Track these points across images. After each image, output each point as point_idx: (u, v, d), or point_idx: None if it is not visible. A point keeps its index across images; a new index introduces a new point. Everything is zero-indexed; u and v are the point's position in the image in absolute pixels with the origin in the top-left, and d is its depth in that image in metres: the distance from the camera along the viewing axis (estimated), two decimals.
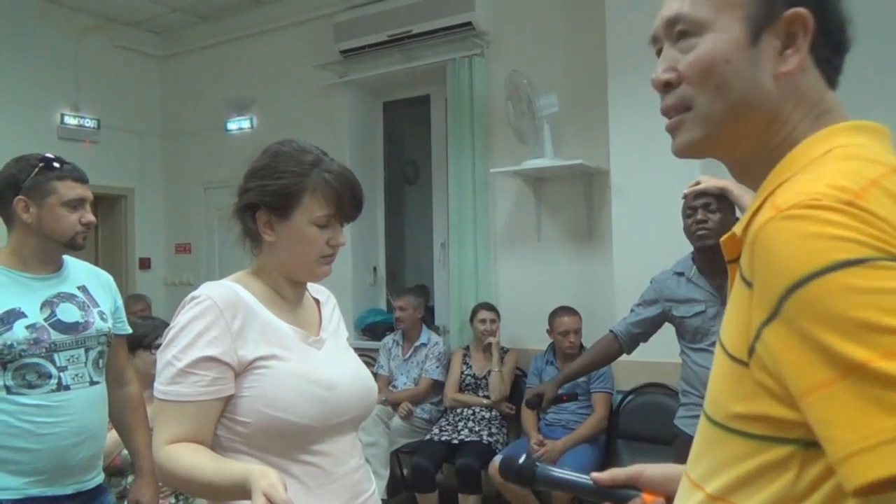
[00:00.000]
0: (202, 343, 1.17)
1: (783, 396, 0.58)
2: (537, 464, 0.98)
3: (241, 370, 1.20)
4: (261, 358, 1.20)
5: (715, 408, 0.67)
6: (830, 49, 0.69)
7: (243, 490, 1.02)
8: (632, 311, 2.54)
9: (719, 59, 0.68)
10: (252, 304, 1.25)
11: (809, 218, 0.55)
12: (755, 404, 0.61)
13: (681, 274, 2.39)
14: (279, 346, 1.23)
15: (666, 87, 0.72)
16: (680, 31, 0.71)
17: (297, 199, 1.24)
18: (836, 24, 0.68)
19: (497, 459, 0.94)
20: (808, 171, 0.62)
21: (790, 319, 0.55)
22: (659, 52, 0.75)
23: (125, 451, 2.17)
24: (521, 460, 0.99)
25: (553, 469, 0.98)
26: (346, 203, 1.27)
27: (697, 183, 2.27)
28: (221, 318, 1.19)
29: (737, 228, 0.68)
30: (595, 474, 0.90)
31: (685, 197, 2.32)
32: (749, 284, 0.60)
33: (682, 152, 0.73)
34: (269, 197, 1.24)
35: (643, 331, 2.50)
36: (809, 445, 0.58)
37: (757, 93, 0.68)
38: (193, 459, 1.13)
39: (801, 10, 0.66)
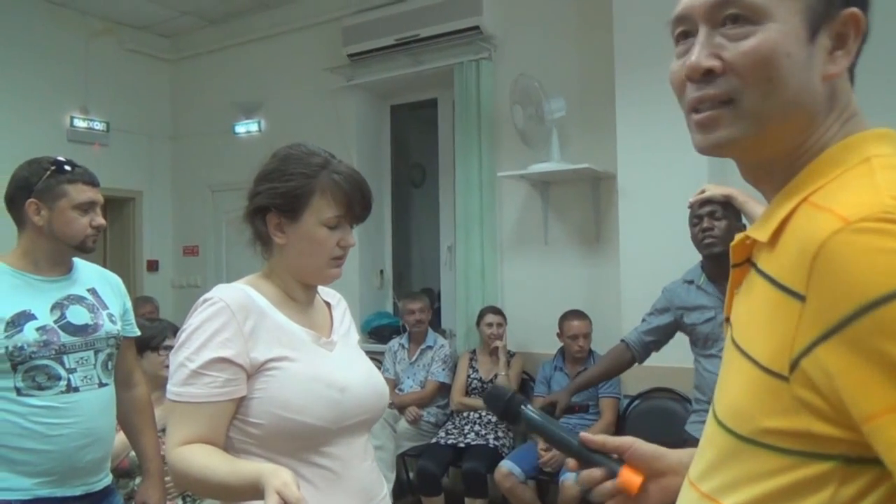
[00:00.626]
0: (215, 344, 1.17)
1: (830, 415, 0.56)
2: (524, 405, 0.92)
3: (253, 372, 1.20)
4: (272, 360, 1.21)
5: (738, 420, 0.64)
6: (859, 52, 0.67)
7: (256, 490, 1.03)
8: (643, 320, 2.55)
9: (781, 52, 0.63)
10: (264, 306, 1.25)
11: (886, 233, 0.53)
12: (794, 420, 0.58)
13: (690, 282, 2.41)
14: (290, 348, 1.24)
15: (706, 75, 0.65)
16: (732, 14, 0.64)
17: (306, 201, 1.25)
18: (869, 28, 0.66)
19: (492, 392, 0.87)
20: (854, 179, 0.60)
21: (859, 339, 0.53)
22: (681, 36, 0.69)
23: (133, 453, 2.18)
24: (508, 395, 0.94)
25: (540, 414, 0.92)
26: (356, 204, 1.28)
27: (703, 191, 2.28)
28: (234, 319, 1.19)
29: (756, 234, 0.66)
30: (584, 435, 0.86)
31: (691, 206, 2.33)
32: (798, 297, 0.57)
33: (715, 150, 0.67)
34: (279, 199, 1.25)
35: (656, 339, 2.52)
36: (851, 462, 0.57)
37: (807, 93, 0.64)
38: (206, 460, 1.13)
39: (856, 10, 0.64)
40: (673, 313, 2.43)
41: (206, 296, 1.23)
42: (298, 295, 1.33)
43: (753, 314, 0.65)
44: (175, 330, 2.98)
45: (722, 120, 0.65)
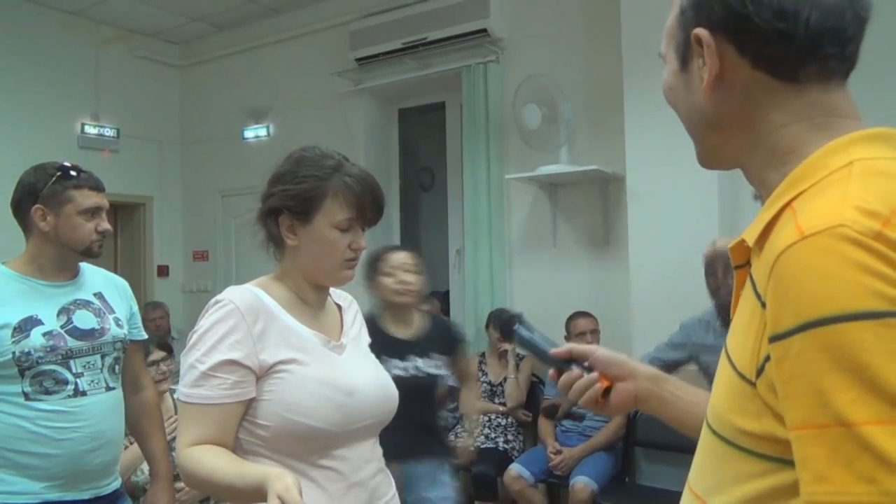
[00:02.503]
0: (224, 346, 1.18)
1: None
2: (518, 325, 1.10)
3: (262, 374, 1.21)
4: (281, 362, 1.21)
5: (719, 422, 0.66)
6: (772, 47, 0.65)
7: (262, 492, 1.03)
8: (657, 347, 2.54)
9: (665, 88, 0.76)
10: (274, 308, 1.26)
11: (834, 252, 0.54)
12: (762, 424, 0.60)
13: (708, 322, 2.40)
14: (300, 351, 1.24)
15: None
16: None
17: (318, 203, 1.25)
18: (765, 20, 0.64)
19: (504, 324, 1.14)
20: (831, 185, 0.60)
21: (800, 352, 0.54)
22: None
23: (135, 478, 2.16)
24: (508, 315, 1.12)
25: (527, 331, 1.09)
26: (368, 207, 1.28)
27: (714, 243, 2.28)
28: (243, 321, 1.20)
29: (747, 237, 0.66)
30: (554, 350, 1.01)
31: (704, 258, 2.33)
32: (763, 304, 0.59)
33: (700, 164, 0.79)
34: (292, 201, 1.26)
35: (664, 368, 2.50)
36: None
37: (696, 111, 0.72)
38: (214, 462, 1.14)
39: (697, 29, 0.67)
40: (690, 350, 2.43)
41: (217, 297, 1.24)
42: (309, 297, 1.33)
43: (739, 318, 0.66)
44: (160, 344, 3.00)
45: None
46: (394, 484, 1.39)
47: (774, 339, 0.56)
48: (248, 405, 1.20)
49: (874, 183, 0.58)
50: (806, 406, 0.54)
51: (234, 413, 1.19)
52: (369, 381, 1.32)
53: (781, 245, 0.57)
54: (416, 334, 2.58)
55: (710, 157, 0.75)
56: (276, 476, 1.04)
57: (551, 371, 1.01)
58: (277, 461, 1.19)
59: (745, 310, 0.65)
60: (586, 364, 0.97)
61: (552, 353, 1.00)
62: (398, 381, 1.40)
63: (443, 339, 2.63)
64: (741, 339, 0.63)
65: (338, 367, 1.28)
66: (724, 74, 0.67)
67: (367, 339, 1.45)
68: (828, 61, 0.65)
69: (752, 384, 0.60)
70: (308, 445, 1.21)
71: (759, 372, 0.59)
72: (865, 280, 0.52)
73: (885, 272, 0.52)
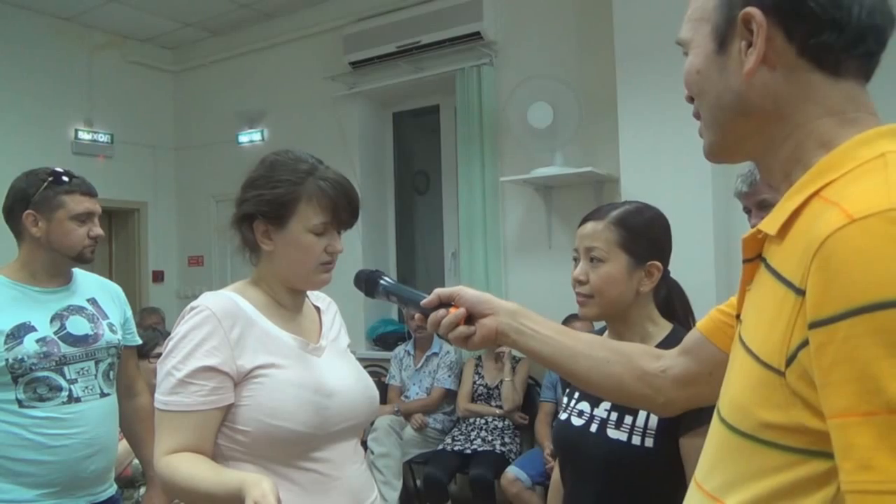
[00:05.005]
0: (201, 353, 1.18)
1: (820, 409, 0.56)
2: (382, 279, 1.13)
3: (240, 379, 1.20)
4: (259, 367, 1.21)
5: (739, 416, 0.64)
6: (824, 35, 0.65)
7: (240, 499, 1.03)
8: None
9: (692, 71, 0.73)
10: (251, 313, 1.26)
11: (887, 236, 0.52)
12: (791, 414, 0.58)
13: None
14: (278, 355, 1.24)
15: (689, 99, 0.77)
16: (684, 52, 0.76)
17: (292, 208, 1.25)
18: (821, 6, 0.64)
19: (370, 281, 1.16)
20: (866, 173, 0.59)
21: (848, 337, 0.52)
22: None
23: (136, 461, 2.17)
24: (369, 272, 1.14)
25: (394, 283, 1.13)
26: (342, 210, 1.28)
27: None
28: (220, 327, 1.19)
29: (766, 227, 0.66)
30: (425, 301, 1.03)
31: None
32: (799, 292, 0.57)
33: (707, 156, 0.77)
34: (266, 206, 1.25)
35: None
36: None
37: (730, 96, 0.70)
38: (192, 469, 1.14)
39: (749, 8, 0.66)
40: None
41: (193, 304, 1.24)
42: (286, 301, 1.33)
43: (759, 310, 0.65)
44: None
45: (702, 131, 0.76)
46: (376, 485, 1.39)
47: (816, 324, 0.55)
48: (227, 411, 1.20)
49: None
50: (851, 393, 0.52)
51: (212, 420, 1.18)
52: (349, 382, 1.32)
53: (827, 230, 0.55)
54: None
55: (725, 148, 0.74)
56: (253, 482, 1.04)
57: (418, 315, 1.05)
58: (258, 465, 1.18)
59: (765, 301, 0.63)
60: (452, 304, 1.01)
61: (423, 303, 1.03)
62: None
63: None
64: (766, 329, 0.62)
65: (317, 369, 1.28)
66: (767, 59, 0.66)
67: (346, 341, 1.45)
68: (868, 58, 0.66)
69: (781, 374, 0.59)
70: (289, 449, 1.21)
71: (790, 361, 0.58)
72: None
73: None
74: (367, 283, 1.13)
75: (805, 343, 0.56)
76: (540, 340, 0.98)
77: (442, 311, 1.00)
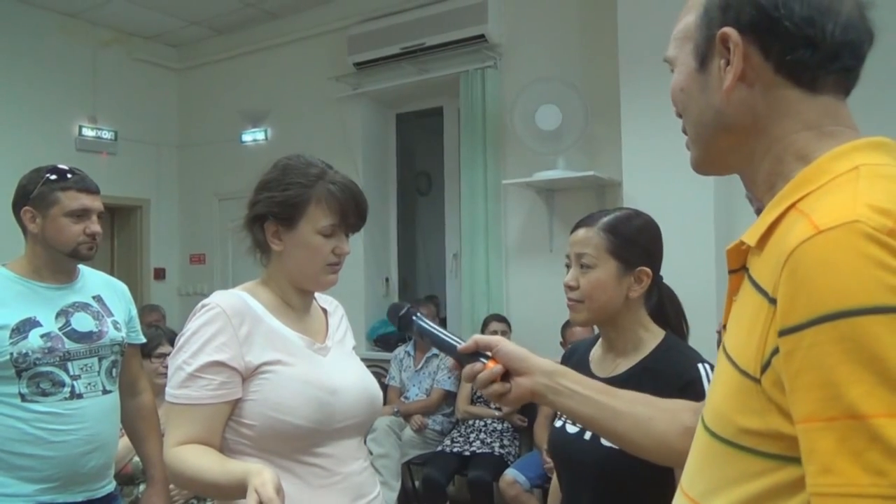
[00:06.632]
0: (210, 348, 1.22)
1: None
2: (415, 316, 1.11)
3: (248, 375, 1.24)
4: (266, 363, 1.25)
5: (719, 422, 0.66)
6: (799, 52, 0.66)
7: (244, 488, 1.06)
8: None
9: (676, 89, 0.76)
10: (259, 311, 1.29)
11: (850, 247, 0.54)
12: (767, 420, 0.60)
13: None
14: (284, 352, 1.28)
15: (679, 115, 0.79)
16: (671, 69, 0.78)
17: (302, 209, 1.29)
18: (795, 25, 0.65)
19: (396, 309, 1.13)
20: (839, 186, 0.61)
21: (813, 345, 0.54)
22: None
23: (136, 459, 2.18)
24: (404, 311, 1.12)
25: (428, 323, 1.10)
26: (350, 213, 1.32)
27: None
28: (229, 324, 1.23)
29: (747, 238, 0.67)
30: (462, 346, 1.01)
31: None
32: (772, 301, 0.59)
33: (694, 169, 0.79)
34: (277, 207, 1.30)
35: None
36: None
37: (710, 112, 0.72)
38: (200, 461, 1.17)
39: (726, 28, 0.68)
40: None
41: (204, 301, 1.28)
42: (294, 301, 1.36)
43: (740, 319, 0.66)
44: (172, 338, 3.01)
45: (688, 145, 0.78)
46: (379, 482, 1.41)
47: (785, 332, 0.57)
48: (235, 405, 1.24)
49: (881, 185, 0.59)
50: (815, 399, 0.54)
51: (220, 413, 1.22)
52: (353, 381, 1.35)
53: (795, 240, 0.57)
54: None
55: (709, 162, 0.76)
56: (256, 472, 1.07)
57: (452, 362, 1.03)
58: (263, 459, 1.22)
59: (745, 310, 0.65)
60: (489, 353, 0.99)
61: (460, 349, 1.01)
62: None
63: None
64: (744, 337, 0.64)
65: (322, 367, 1.32)
66: (745, 76, 0.68)
67: (352, 342, 1.48)
68: (845, 73, 0.67)
69: (757, 381, 0.61)
70: (293, 443, 1.24)
71: (765, 368, 0.60)
72: (880, 275, 0.53)
73: None
74: (402, 319, 1.12)
75: (777, 350, 0.58)
76: (578, 400, 0.96)
77: (478, 366, 0.98)
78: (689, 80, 0.74)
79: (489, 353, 0.99)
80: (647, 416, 0.94)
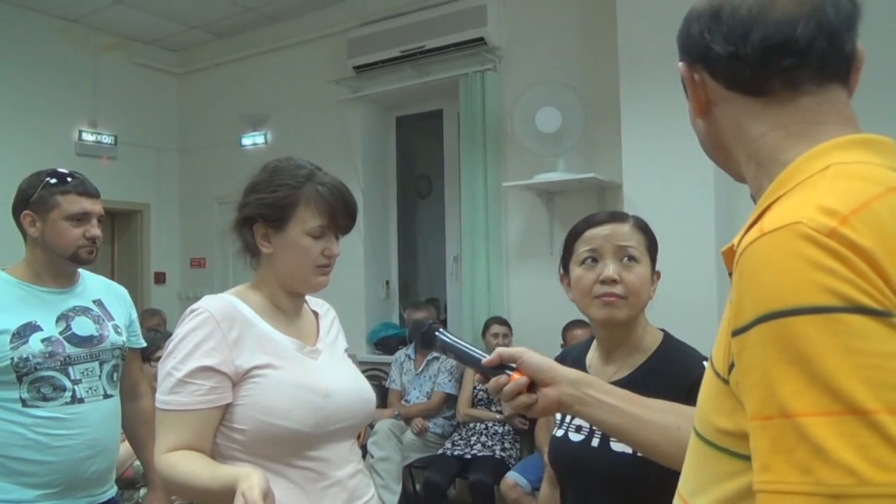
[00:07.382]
0: (200, 353, 1.21)
1: None
2: (438, 331, 1.11)
3: (238, 379, 1.23)
4: (257, 367, 1.24)
5: (701, 424, 0.68)
6: (731, 68, 0.70)
7: (234, 492, 1.06)
8: None
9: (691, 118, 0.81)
10: (249, 316, 1.29)
11: (786, 248, 0.56)
12: (736, 420, 0.61)
13: None
14: (275, 356, 1.27)
15: None
16: None
17: (291, 211, 1.29)
18: (719, 44, 0.70)
19: (423, 328, 1.13)
20: (804, 188, 0.62)
21: (755, 344, 0.56)
22: None
23: (137, 462, 2.17)
24: (426, 328, 1.12)
25: (451, 337, 1.10)
26: (339, 214, 1.31)
27: None
28: (218, 329, 1.23)
29: (736, 240, 0.68)
30: (487, 360, 1.02)
31: None
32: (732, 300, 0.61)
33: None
34: (266, 209, 1.29)
35: None
36: None
37: (701, 135, 0.79)
38: (190, 466, 1.17)
39: (679, 63, 0.75)
40: None
41: (193, 306, 1.27)
42: (285, 304, 1.36)
43: (722, 322, 0.68)
44: None
45: None
46: (373, 485, 1.41)
47: (735, 332, 0.58)
48: (225, 410, 1.23)
49: (842, 184, 0.60)
50: (756, 398, 0.56)
51: (210, 418, 1.21)
52: (345, 383, 1.35)
53: (745, 243, 0.60)
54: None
55: (728, 173, 0.80)
56: (244, 476, 1.07)
57: (477, 375, 1.04)
58: (254, 464, 1.20)
59: (726, 313, 0.66)
60: (513, 365, 0.99)
61: (484, 363, 1.02)
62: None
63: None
64: (719, 339, 0.65)
65: (313, 370, 1.31)
66: (710, 99, 0.74)
67: (343, 345, 1.48)
68: (791, 72, 0.68)
69: (726, 381, 0.62)
70: (285, 447, 1.24)
71: (731, 368, 0.61)
72: (814, 275, 0.54)
73: (834, 268, 0.54)
74: (424, 336, 1.12)
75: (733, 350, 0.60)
76: (606, 411, 0.96)
77: (504, 378, 0.99)
78: (690, 111, 0.79)
79: (514, 365, 0.99)
80: (675, 425, 0.95)
